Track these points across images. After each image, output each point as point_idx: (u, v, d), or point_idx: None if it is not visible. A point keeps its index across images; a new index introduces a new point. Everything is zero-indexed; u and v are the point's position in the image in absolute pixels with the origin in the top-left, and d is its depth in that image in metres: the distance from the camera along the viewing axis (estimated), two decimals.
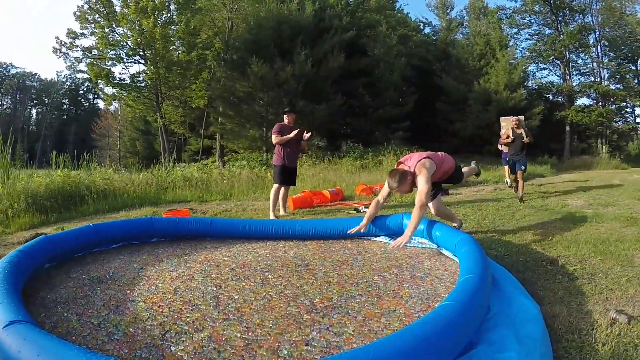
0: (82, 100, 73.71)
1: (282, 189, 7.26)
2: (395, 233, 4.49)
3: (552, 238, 4.99)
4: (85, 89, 70.99)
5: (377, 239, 4.79)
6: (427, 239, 4.26)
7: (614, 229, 5.48)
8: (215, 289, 3.17)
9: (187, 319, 2.59)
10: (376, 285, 3.22)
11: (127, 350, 2.21)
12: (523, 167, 9.20)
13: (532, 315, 2.49)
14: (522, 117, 10.52)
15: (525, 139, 9.14)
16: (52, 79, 72.49)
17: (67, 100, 73.04)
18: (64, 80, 71.35)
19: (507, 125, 9.93)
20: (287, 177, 7.19)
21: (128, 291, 3.10)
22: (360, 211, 7.29)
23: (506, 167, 11.08)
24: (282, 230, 4.85)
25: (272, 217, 6.89)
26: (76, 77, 65.86)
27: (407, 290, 3.11)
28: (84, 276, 3.43)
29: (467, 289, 2.30)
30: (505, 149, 10.32)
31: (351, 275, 3.45)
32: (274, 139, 7.20)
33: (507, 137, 9.41)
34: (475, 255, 2.96)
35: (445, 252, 4.00)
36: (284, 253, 4.26)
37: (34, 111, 72.29)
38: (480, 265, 2.72)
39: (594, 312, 2.83)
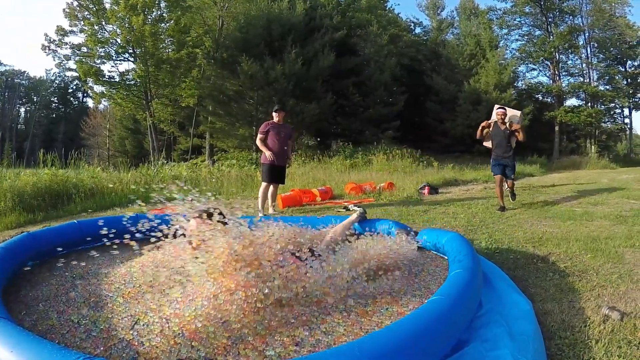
0: (72, 98, 72.90)
1: (271, 187, 7.20)
2: None
3: (543, 236, 4.96)
4: (74, 87, 70.27)
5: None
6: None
7: (603, 227, 5.47)
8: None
9: (168, 315, 2.51)
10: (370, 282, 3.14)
11: (102, 348, 2.14)
12: (512, 176, 7.82)
13: (524, 312, 2.44)
14: (517, 112, 8.30)
15: (514, 126, 7.62)
16: (41, 77, 71.82)
17: (56, 98, 72.18)
18: (53, 78, 70.71)
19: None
20: (275, 175, 7.14)
21: (110, 288, 3.01)
22: (349, 209, 7.23)
23: (498, 186, 7.92)
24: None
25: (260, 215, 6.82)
26: (65, 75, 65.53)
27: (401, 287, 3.04)
28: (66, 274, 3.33)
29: (456, 284, 2.23)
30: (488, 144, 8.21)
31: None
32: (258, 140, 7.24)
33: (486, 124, 7.89)
34: (465, 251, 2.90)
35: (436, 253, 3.91)
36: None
37: (22, 109, 71.53)
38: (470, 261, 2.66)
39: (586, 309, 2.79)
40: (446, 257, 3.65)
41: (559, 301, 2.93)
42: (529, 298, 2.89)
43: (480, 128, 7.92)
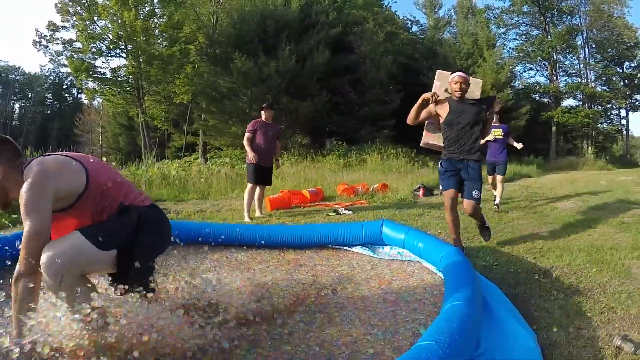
0: (66, 94, 72.40)
1: (258, 189, 6.88)
2: (373, 242, 4.09)
3: (544, 245, 4.66)
4: (69, 84, 69.63)
5: (353, 249, 4.29)
6: (409, 250, 3.83)
7: (607, 235, 5.21)
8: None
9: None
10: (356, 309, 2.83)
11: None
12: (476, 194, 5.42)
13: (528, 350, 2.11)
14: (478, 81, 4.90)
15: (495, 106, 4.55)
16: (35, 73, 71.26)
17: (50, 94, 71.78)
18: (47, 74, 70.17)
19: (442, 84, 4.75)
20: (261, 176, 6.80)
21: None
22: (339, 213, 6.92)
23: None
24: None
25: (246, 218, 6.50)
26: (60, 71, 65.09)
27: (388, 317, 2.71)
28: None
29: (451, 322, 1.87)
30: (433, 137, 4.85)
31: (331, 295, 3.06)
32: (245, 139, 6.88)
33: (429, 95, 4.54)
34: (463, 274, 2.55)
35: (428, 265, 3.59)
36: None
37: (17, 106, 71.07)
38: (469, 288, 2.31)
39: (595, 339, 2.47)
40: (441, 275, 3.34)
41: (565, 328, 2.60)
42: (532, 323, 2.59)
43: (417, 104, 4.61)
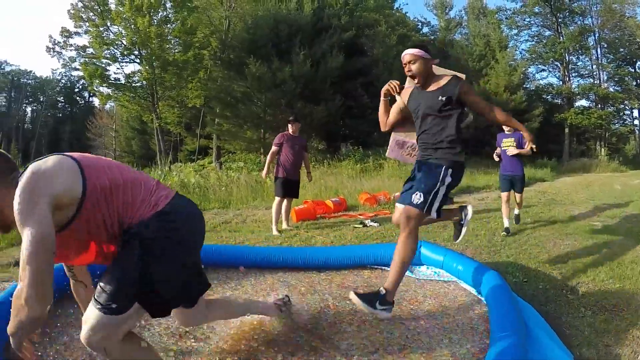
0: (78, 98, 73.00)
1: (285, 201, 7.08)
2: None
3: (567, 259, 4.83)
4: (80, 87, 70.08)
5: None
6: (446, 271, 3.99)
7: (626, 247, 5.36)
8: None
9: None
10: (393, 337, 2.93)
11: None
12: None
13: None
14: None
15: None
16: (47, 76, 71.88)
17: (62, 98, 72.37)
18: (59, 77, 70.70)
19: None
20: (288, 189, 7.01)
21: None
22: (366, 225, 7.09)
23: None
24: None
25: (274, 231, 6.70)
26: (71, 75, 65.57)
27: (421, 334, 2.88)
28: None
29: (505, 355, 2.03)
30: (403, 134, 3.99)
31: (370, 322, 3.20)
32: (270, 152, 7.16)
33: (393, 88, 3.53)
34: (506, 301, 2.72)
35: (465, 285, 3.76)
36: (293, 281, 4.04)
37: (29, 109, 71.77)
38: (515, 317, 2.48)
39: (622, 356, 2.68)
40: (476, 295, 3.53)
41: (595, 346, 2.80)
42: (566, 341, 2.78)
43: (382, 104, 3.76)
